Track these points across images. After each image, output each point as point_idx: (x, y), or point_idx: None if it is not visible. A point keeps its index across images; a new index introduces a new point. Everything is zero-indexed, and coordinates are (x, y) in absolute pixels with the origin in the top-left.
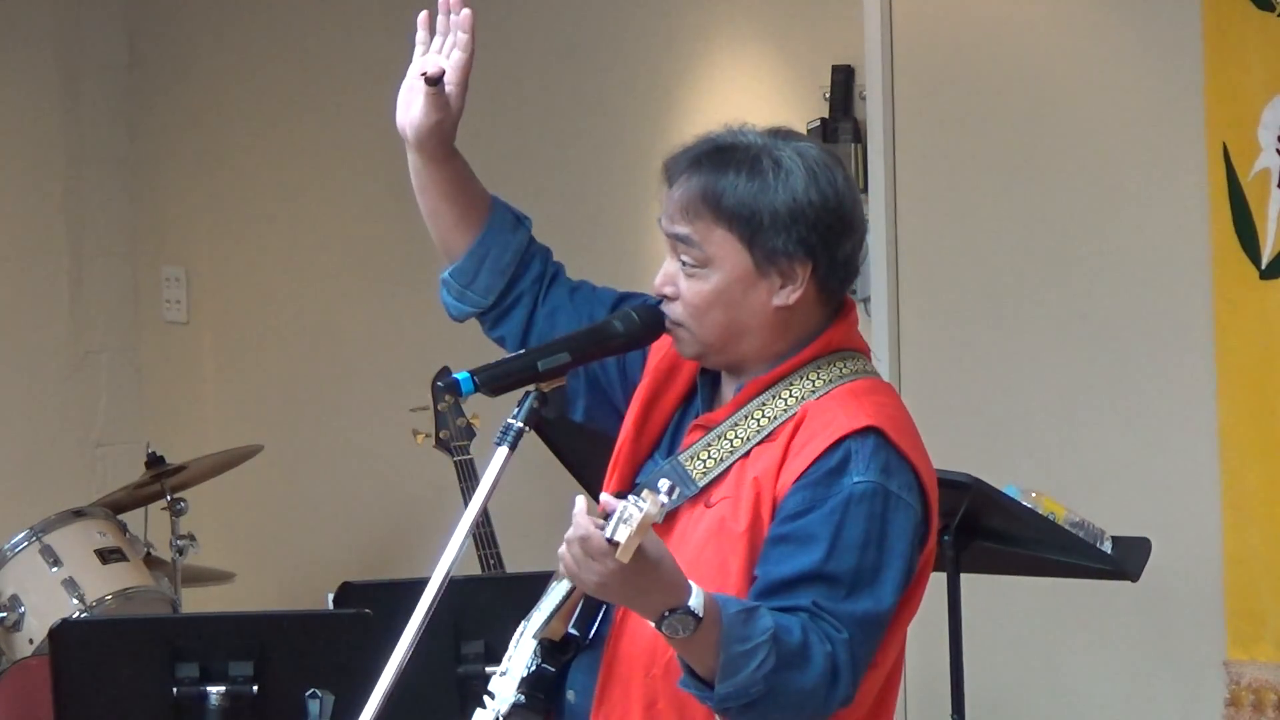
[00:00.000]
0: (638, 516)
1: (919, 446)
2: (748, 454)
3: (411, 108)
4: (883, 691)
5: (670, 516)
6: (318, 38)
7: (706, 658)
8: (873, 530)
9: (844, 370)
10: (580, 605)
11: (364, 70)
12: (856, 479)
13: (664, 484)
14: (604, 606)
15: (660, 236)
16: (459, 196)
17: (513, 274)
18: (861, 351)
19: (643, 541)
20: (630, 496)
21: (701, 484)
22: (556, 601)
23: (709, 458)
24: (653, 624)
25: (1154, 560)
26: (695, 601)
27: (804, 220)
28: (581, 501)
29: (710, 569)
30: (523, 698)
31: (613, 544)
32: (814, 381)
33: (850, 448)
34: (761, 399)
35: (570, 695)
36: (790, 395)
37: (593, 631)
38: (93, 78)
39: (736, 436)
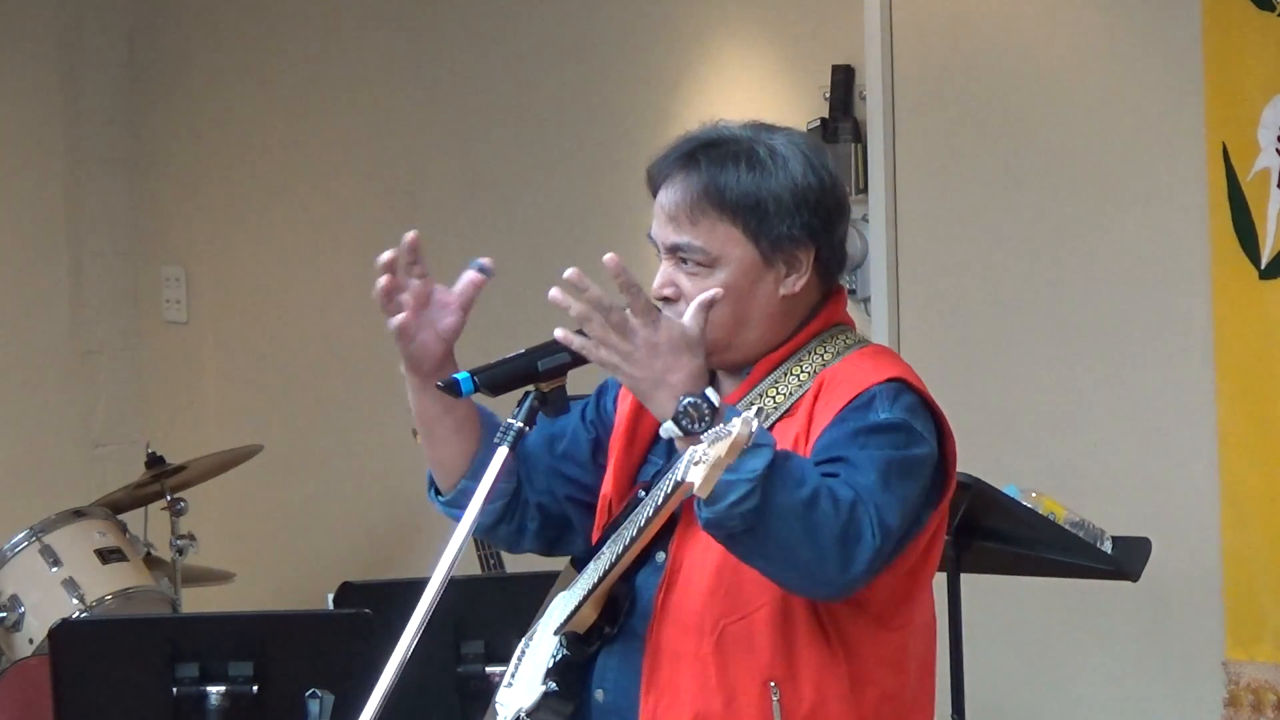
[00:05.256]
0: (713, 455)
1: (935, 403)
2: (770, 429)
3: (425, 343)
4: (920, 675)
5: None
6: (317, 38)
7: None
8: (894, 458)
9: (847, 341)
10: (608, 596)
11: (364, 70)
12: (882, 415)
13: (751, 410)
14: (630, 598)
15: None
16: (463, 425)
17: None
18: (852, 327)
19: (683, 324)
20: (697, 446)
21: None
22: (586, 589)
23: None
24: (669, 417)
25: (1154, 560)
26: (714, 396)
27: (806, 204)
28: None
29: None
30: (554, 685)
31: (686, 484)
32: (822, 355)
33: (875, 392)
34: (773, 377)
35: (599, 694)
36: (802, 371)
37: (617, 626)
38: (93, 78)
39: None
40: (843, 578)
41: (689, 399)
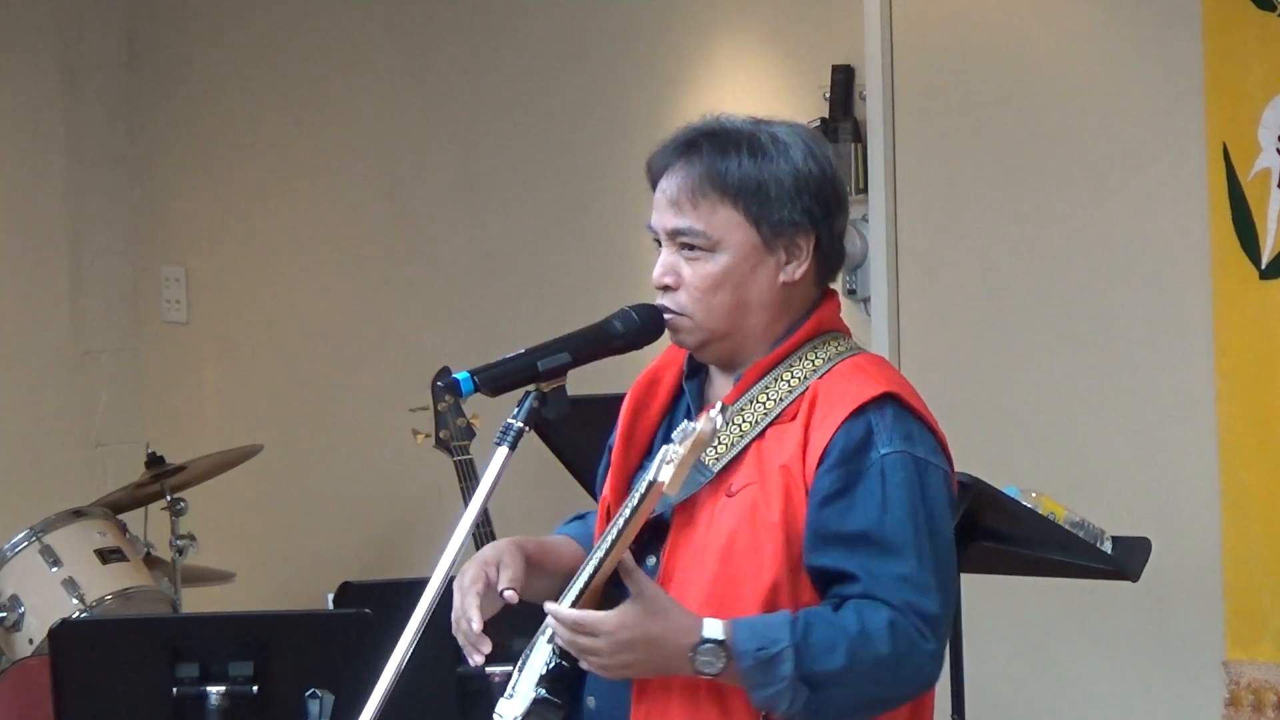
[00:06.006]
0: (681, 452)
1: (928, 411)
2: (762, 435)
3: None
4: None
5: (692, 506)
6: (317, 38)
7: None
8: (915, 497)
9: (840, 348)
10: (599, 601)
11: (364, 70)
12: (884, 451)
13: (715, 408)
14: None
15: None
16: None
17: None
18: (846, 334)
19: (644, 589)
20: (668, 444)
21: (716, 469)
22: (575, 594)
23: (720, 443)
24: (688, 672)
25: (1154, 560)
26: (711, 631)
27: (808, 190)
28: (549, 604)
29: (745, 557)
30: (544, 691)
31: (658, 484)
32: (814, 361)
33: (870, 420)
34: (764, 382)
35: (590, 701)
36: (793, 376)
37: None
38: (93, 78)
39: (745, 420)
40: (920, 684)
41: (697, 652)
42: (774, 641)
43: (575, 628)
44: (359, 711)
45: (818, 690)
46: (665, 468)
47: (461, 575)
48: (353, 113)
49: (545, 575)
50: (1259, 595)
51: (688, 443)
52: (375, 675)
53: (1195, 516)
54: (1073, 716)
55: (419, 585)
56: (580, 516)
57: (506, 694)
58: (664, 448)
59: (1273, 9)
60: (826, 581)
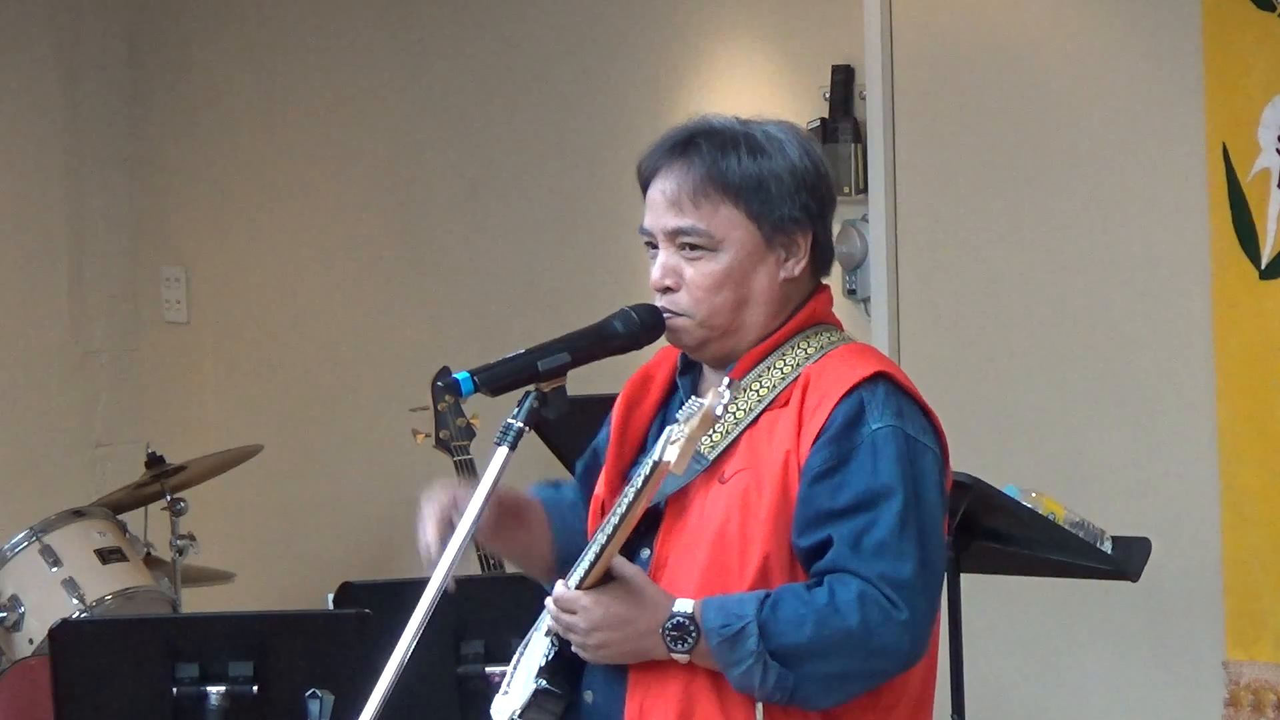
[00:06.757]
0: (685, 431)
1: (921, 395)
2: (755, 422)
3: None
4: (922, 681)
5: (685, 495)
6: (317, 38)
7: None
8: (904, 466)
9: (832, 339)
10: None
11: (364, 70)
12: (875, 425)
13: (724, 383)
14: None
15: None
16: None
17: None
18: (838, 326)
19: (622, 571)
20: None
21: (712, 456)
22: (575, 580)
23: (715, 431)
24: (662, 652)
25: (1154, 560)
26: (681, 607)
27: (805, 186)
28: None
29: (736, 543)
30: (545, 682)
31: (664, 464)
32: (805, 350)
33: (862, 397)
34: (757, 371)
35: (588, 696)
36: (785, 364)
37: None
38: (93, 78)
39: (739, 408)
40: (897, 657)
41: (667, 628)
42: (739, 618)
43: (558, 602)
44: (359, 711)
45: (789, 666)
46: (670, 448)
47: (429, 499)
48: (353, 113)
49: (522, 530)
50: (1259, 595)
51: (694, 420)
52: (375, 675)
53: (1195, 516)
54: (1073, 716)
55: (419, 585)
56: (555, 484)
57: (501, 691)
58: (667, 429)
59: (1273, 9)
60: (814, 561)
